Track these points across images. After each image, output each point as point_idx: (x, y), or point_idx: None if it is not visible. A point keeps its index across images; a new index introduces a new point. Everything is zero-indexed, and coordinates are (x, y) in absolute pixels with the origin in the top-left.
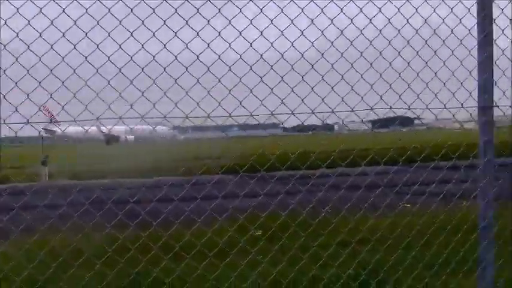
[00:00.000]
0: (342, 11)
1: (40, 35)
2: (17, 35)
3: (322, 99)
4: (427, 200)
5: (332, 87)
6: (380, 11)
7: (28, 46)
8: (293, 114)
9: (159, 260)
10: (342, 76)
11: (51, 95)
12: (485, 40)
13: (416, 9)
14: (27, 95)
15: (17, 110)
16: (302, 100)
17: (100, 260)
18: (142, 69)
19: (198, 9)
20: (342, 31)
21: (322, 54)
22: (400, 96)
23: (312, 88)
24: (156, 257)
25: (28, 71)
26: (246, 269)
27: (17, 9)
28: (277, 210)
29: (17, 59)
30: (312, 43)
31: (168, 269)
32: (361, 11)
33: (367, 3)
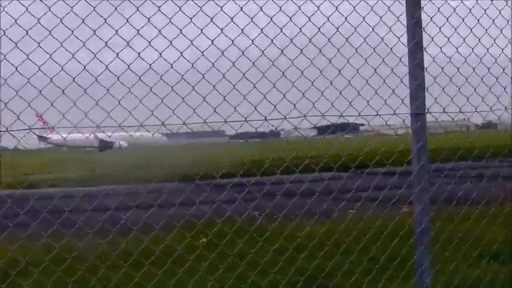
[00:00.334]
0: (271, 20)
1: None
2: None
3: (255, 108)
4: (364, 206)
5: (264, 95)
6: (309, 19)
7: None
8: (226, 122)
9: (96, 269)
10: (274, 84)
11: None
12: (416, 47)
13: (345, 18)
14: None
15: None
16: (235, 108)
17: (37, 269)
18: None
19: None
20: (272, 40)
21: (254, 62)
22: (332, 103)
23: (244, 97)
24: (94, 265)
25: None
26: (185, 276)
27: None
28: (215, 217)
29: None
30: (243, 52)
31: (106, 277)
32: (291, 20)
33: (296, 13)
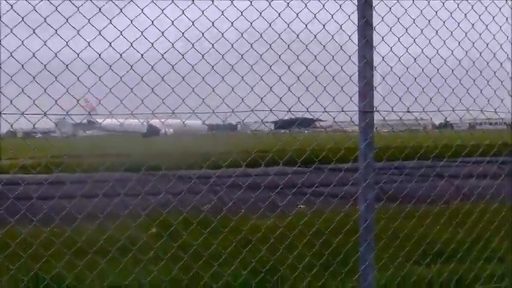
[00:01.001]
0: (222, 14)
1: (56, 31)
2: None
3: (203, 100)
4: (309, 201)
5: (213, 88)
6: (261, 14)
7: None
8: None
9: (40, 257)
10: (223, 78)
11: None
12: (366, 45)
13: (297, 15)
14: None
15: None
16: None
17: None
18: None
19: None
20: (222, 34)
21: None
22: (280, 99)
23: (193, 89)
24: (38, 253)
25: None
26: (129, 266)
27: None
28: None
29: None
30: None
31: (50, 266)
32: (242, 14)
33: (247, 8)
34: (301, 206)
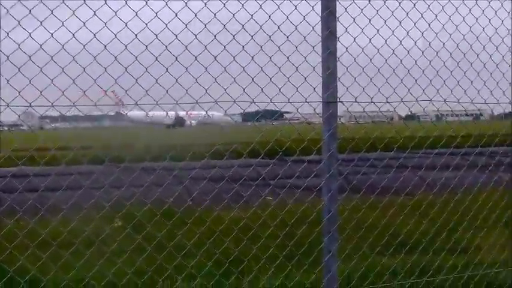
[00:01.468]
0: (186, 5)
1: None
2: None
3: (166, 91)
4: (274, 192)
5: (176, 79)
6: (224, 6)
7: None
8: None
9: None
10: (187, 69)
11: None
12: (329, 36)
13: (260, 6)
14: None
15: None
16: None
17: None
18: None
19: None
20: (186, 25)
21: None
22: (244, 89)
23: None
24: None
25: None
26: (94, 259)
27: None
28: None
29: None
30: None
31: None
32: (206, 6)
33: None
34: (269, 198)
